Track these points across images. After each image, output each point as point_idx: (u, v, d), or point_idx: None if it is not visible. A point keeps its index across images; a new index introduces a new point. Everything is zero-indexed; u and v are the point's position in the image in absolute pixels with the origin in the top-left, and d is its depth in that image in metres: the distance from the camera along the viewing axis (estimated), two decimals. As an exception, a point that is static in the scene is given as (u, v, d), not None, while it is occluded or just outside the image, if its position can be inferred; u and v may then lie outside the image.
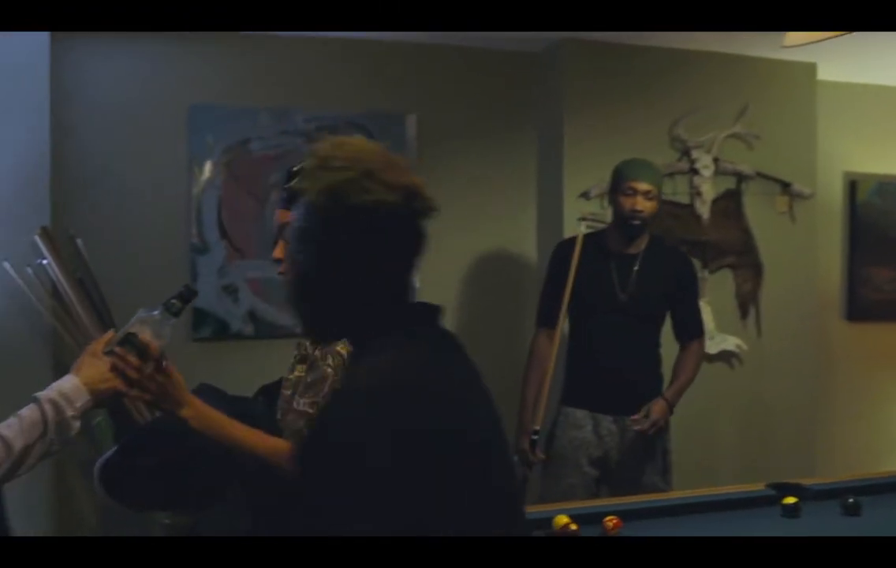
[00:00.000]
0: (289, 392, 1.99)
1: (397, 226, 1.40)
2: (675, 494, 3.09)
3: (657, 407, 3.42)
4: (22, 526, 3.50)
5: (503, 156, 4.40)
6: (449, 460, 1.31)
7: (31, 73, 3.45)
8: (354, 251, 1.38)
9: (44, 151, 3.50)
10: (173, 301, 1.92)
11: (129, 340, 1.86)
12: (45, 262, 3.47)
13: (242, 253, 4.08)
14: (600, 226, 3.74)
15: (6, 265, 3.39)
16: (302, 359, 2.03)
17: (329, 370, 1.95)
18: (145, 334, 1.87)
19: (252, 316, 4.10)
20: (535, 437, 3.46)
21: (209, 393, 2.09)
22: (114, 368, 1.85)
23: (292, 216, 1.43)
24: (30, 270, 3.45)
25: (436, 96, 4.35)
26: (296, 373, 2.01)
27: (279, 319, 4.06)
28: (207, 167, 4.04)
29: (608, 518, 2.50)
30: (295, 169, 2.12)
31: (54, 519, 3.56)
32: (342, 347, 1.95)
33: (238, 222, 4.07)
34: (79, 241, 3.72)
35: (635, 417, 3.40)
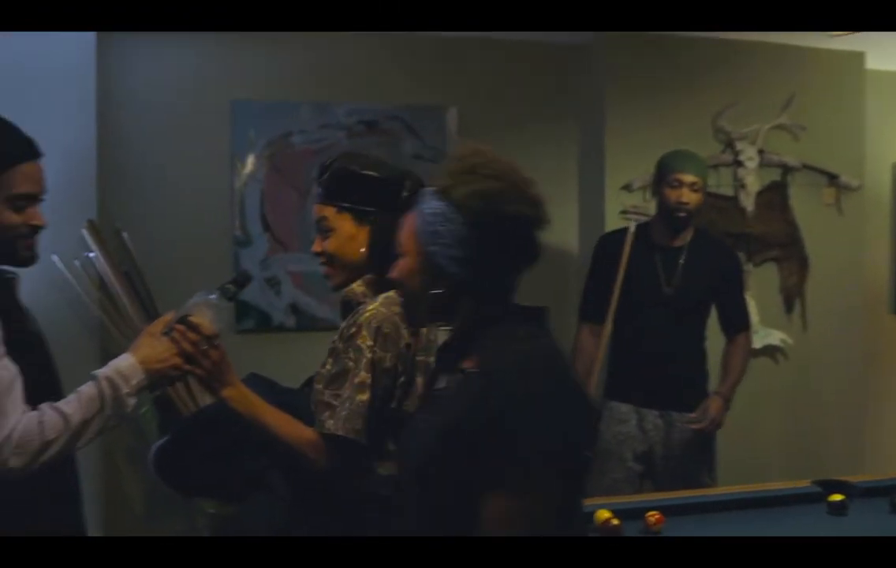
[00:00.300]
0: (320, 386, 2.01)
1: (527, 235, 1.56)
2: (719, 491, 3.06)
3: (715, 405, 3.40)
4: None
5: (544, 148, 4.38)
6: (577, 448, 1.51)
7: (77, 71, 3.50)
8: (491, 253, 1.53)
9: (90, 147, 3.55)
10: (228, 286, 2.05)
11: (187, 320, 1.97)
12: (91, 255, 3.53)
13: (284, 246, 4.11)
14: (643, 219, 3.71)
15: (55, 258, 3.45)
16: (331, 351, 2.05)
17: (350, 363, 1.97)
18: (202, 315, 1.98)
19: (294, 308, 4.13)
20: None
21: (258, 382, 2.13)
22: (172, 342, 1.97)
23: (425, 211, 1.54)
24: (77, 263, 3.51)
25: (476, 89, 4.35)
26: (327, 366, 2.03)
27: (320, 311, 4.09)
28: (250, 161, 4.07)
29: (650, 513, 2.48)
30: (329, 162, 2.14)
31: (102, 504, 3.63)
32: (362, 340, 1.97)
33: (280, 215, 4.10)
34: (124, 234, 3.77)
35: (692, 415, 3.38)
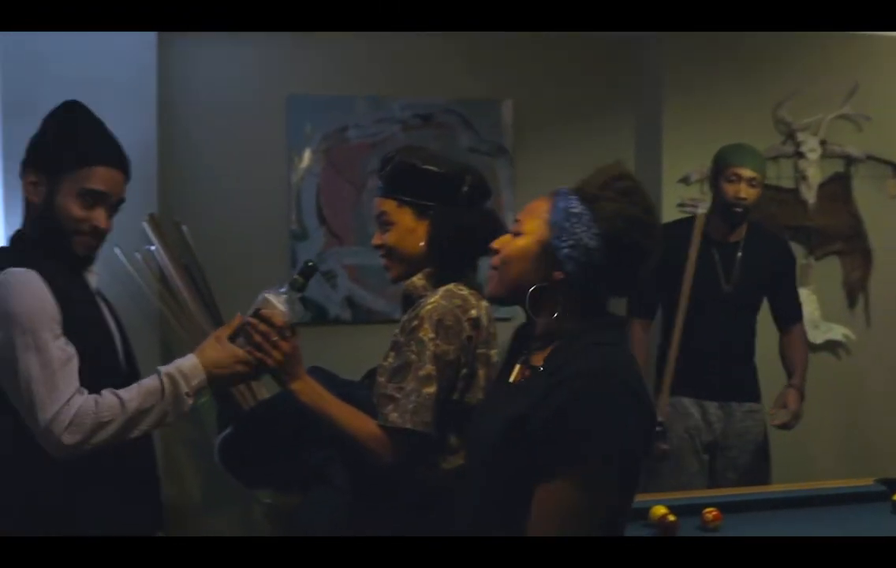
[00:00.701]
0: (382, 379, 2.02)
1: (639, 270, 1.63)
2: (779, 488, 3.01)
3: (792, 398, 3.39)
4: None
5: (600, 141, 4.34)
6: (636, 455, 1.55)
7: (139, 71, 3.58)
8: (608, 272, 1.59)
9: (151, 143, 3.62)
10: (296, 277, 2.09)
11: (259, 313, 2.02)
12: (152, 248, 3.60)
13: (340, 239, 4.14)
14: (699, 211, 3.65)
15: (117, 251, 3.52)
16: (393, 345, 2.06)
17: (413, 356, 1.97)
18: (273, 308, 2.03)
19: (350, 301, 4.16)
20: (660, 429, 3.41)
21: (320, 374, 2.16)
22: (244, 336, 2.01)
23: (566, 207, 1.59)
24: (139, 256, 3.58)
25: (532, 82, 4.33)
26: (389, 360, 2.03)
27: (376, 304, 4.11)
28: (306, 155, 4.11)
29: (707, 510, 2.45)
30: (390, 156, 2.15)
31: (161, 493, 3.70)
32: (424, 333, 1.97)
33: (336, 209, 4.13)
34: (184, 227, 3.84)
35: (773, 410, 3.38)
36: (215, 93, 4.04)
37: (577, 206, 1.60)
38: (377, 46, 4.14)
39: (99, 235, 2.03)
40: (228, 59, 4.05)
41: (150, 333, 3.66)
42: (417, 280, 2.10)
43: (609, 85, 4.40)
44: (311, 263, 2.10)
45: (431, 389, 1.96)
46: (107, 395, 1.90)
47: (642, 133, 4.37)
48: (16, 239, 2.06)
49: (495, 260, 1.68)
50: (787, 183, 4.28)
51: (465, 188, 2.09)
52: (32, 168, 2.00)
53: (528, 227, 1.65)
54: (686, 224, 3.52)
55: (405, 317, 2.05)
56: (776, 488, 3.04)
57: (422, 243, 2.08)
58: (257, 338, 2.00)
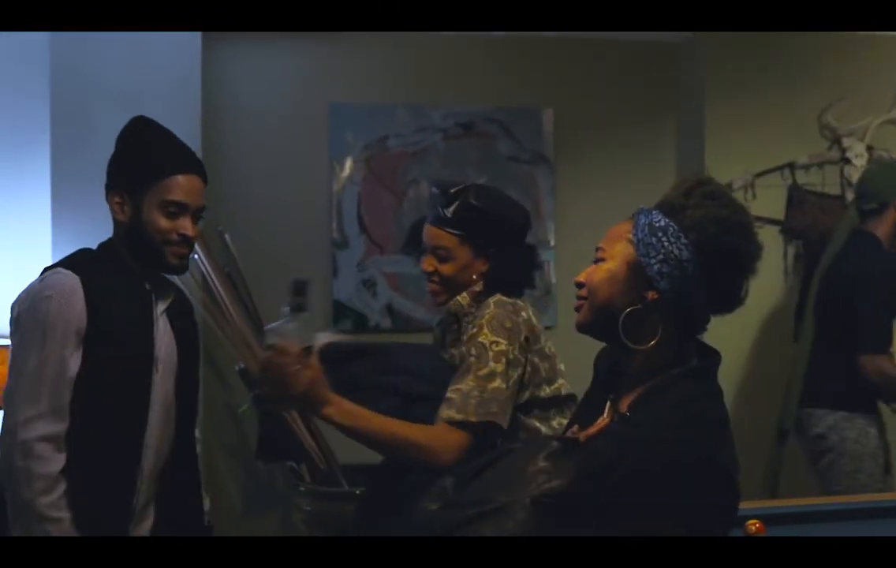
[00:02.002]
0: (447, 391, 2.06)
1: (740, 277, 1.54)
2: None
3: None
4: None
5: (641, 148, 4.31)
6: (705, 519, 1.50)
7: (183, 79, 3.61)
8: (704, 284, 1.51)
9: (194, 149, 3.65)
10: (293, 299, 2.08)
11: (271, 347, 1.89)
12: (195, 256, 3.63)
13: (381, 248, 4.15)
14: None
15: (160, 260, 3.56)
16: (449, 359, 2.14)
17: (472, 359, 2.03)
18: (284, 338, 1.94)
19: (390, 309, 4.17)
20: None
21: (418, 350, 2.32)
22: (264, 373, 1.88)
23: (649, 223, 1.54)
24: (182, 265, 3.62)
25: (572, 89, 4.31)
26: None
27: (416, 312, 4.12)
28: (347, 164, 4.13)
29: (751, 522, 2.40)
30: (456, 192, 2.16)
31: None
32: (484, 337, 2.04)
33: (377, 218, 4.15)
34: (226, 236, 3.88)
35: None
36: (257, 102, 4.07)
37: (660, 220, 1.54)
38: (418, 55, 4.15)
39: (188, 243, 2.09)
40: (270, 68, 4.08)
41: (193, 340, 3.70)
42: (462, 298, 2.18)
43: (649, 91, 4.37)
44: (299, 279, 2.10)
45: (495, 384, 2.01)
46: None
47: (684, 140, 4.33)
48: (103, 246, 2.13)
49: (582, 291, 1.63)
50: (833, 189, 4.21)
51: (526, 232, 2.21)
52: (115, 188, 2.07)
53: (611, 252, 1.59)
54: None
55: (464, 326, 2.13)
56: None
57: (475, 277, 2.16)
58: (276, 373, 1.84)
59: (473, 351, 2.04)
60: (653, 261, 1.52)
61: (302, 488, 3.57)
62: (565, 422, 1.97)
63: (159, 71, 3.57)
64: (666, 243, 1.51)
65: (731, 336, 4.05)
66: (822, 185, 4.16)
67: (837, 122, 4.19)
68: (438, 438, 1.96)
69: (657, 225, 1.53)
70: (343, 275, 4.10)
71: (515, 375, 2.06)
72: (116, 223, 2.10)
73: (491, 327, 2.05)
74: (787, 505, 2.75)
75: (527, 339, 2.10)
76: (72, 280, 1.98)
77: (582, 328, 1.62)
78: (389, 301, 4.17)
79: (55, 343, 1.94)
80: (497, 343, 2.04)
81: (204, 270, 3.64)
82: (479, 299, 2.16)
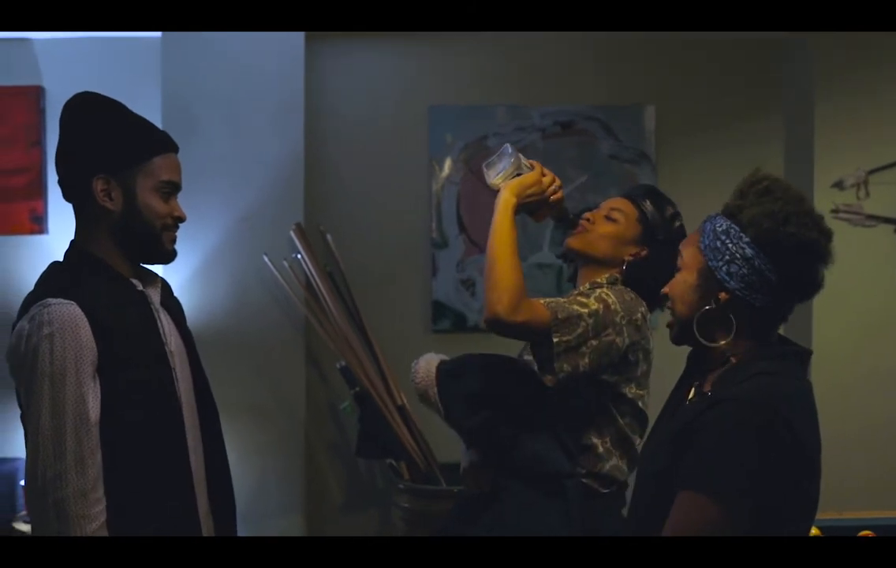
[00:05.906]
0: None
1: (811, 264, 1.59)
2: None
3: None
4: (279, 496, 3.77)
5: (747, 146, 4.19)
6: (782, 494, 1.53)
7: (286, 75, 3.70)
8: (773, 277, 1.57)
9: (298, 151, 3.75)
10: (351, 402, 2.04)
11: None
12: (298, 256, 3.72)
13: (480, 247, 4.16)
14: (855, 218, 3.48)
15: (265, 259, 3.66)
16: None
17: (582, 299, 2.04)
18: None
19: (488, 309, 4.16)
20: None
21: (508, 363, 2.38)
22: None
23: (712, 228, 1.63)
24: (286, 264, 3.71)
25: (675, 86, 4.23)
26: (524, 356, 2.06)
27: (514, 312, 4.11)
28: (447, 164, 4.16)
29: (863, 533, 2.32)
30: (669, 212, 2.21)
31: (304, 493, 3.81)
32: (603, 292, 2.05)
33: (476, 217, 4.16)
34: (328, 236, 3.95)
35: None
36: (358, 104, 4.14)
37: (722, 223, 1.63)
38: (516, 55, 4.14)
39: (178, 225, 1.93)
40: (371, 71, 4.14)
41: (296, 338, 3.79)
42: (597, 272, 2.19)
43: (752, 88, 4.24)
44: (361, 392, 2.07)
45: (585, 311, 1.99)
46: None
47: (792, 137, 4.20)
48: (70, 254, 1.88)
49: (670, 303, 1.73)
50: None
51: (677, 225, 2.20)
52: (96, 172, 1.82)
53: (686, 261, 1.69)
54: None
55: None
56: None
57: (627, 258, 2.16)
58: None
59: (585, 297, 2.03)
60: (720, 264, 1.61)
61: (401, 486, 3.62)
62: (632, 432, 2.08)
63: (264, 75, 3.67)
64: (730, 245, 1.60)
65: (841, 336, 3.94)
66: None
67: (957, 118, 3.99)
68: (523, 298, 2.08)
69: (720, 229, 1.62)
70: (442, 274, 4.13)
71: (609, 339, 1.99)
72: (103, 214, 1.83)
73: (612, 288, 2.08)
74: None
75: (637, 327, 2.04)
76: (68, 309, 1.72)
77: (676, 341, 1.72)
78: (488, 301, 4.16)
79: (69, 386, 1.70)
80: (609, 296, 2.03)
81: (307, 270, 3.73)
82: (609, 281, 2.14)
